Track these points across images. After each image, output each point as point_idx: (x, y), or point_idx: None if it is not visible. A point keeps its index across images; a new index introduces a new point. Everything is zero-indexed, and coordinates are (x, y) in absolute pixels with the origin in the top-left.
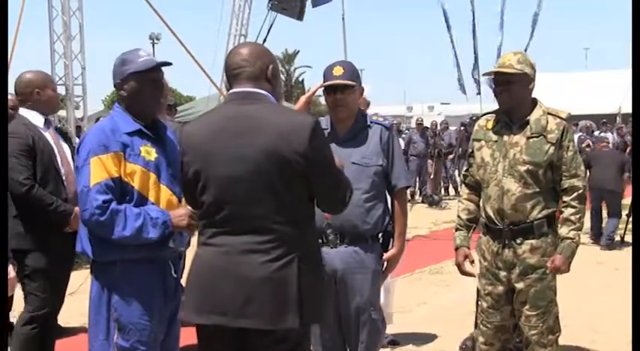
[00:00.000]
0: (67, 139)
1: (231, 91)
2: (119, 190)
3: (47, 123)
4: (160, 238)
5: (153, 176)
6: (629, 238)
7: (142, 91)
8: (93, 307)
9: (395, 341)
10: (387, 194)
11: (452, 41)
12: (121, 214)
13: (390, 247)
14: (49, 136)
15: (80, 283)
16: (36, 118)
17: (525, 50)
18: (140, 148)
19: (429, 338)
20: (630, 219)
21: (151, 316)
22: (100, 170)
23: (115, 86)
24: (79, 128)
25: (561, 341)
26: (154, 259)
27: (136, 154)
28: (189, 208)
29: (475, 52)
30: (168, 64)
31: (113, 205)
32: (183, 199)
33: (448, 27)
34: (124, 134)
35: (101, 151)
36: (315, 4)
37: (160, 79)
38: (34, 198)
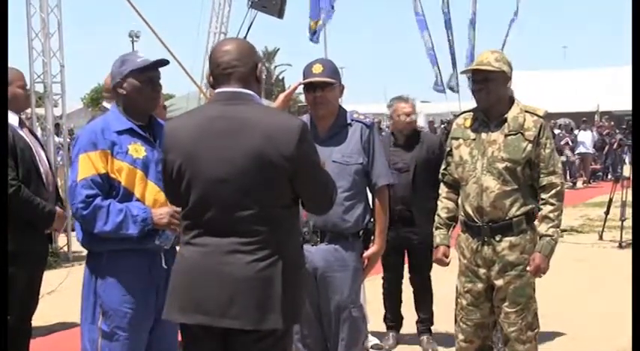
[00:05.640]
0: (38, 138)
1: (217, 90)
2: (106, 185)
3: (21, 122)
4: (140, 234)
5: (140, 173)
6: (607, 235)
7: (141, 89)
8: (83, 293)
9: (379, 346)
10: (369, 192)
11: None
12: (104, 210)
13: (371, 244)
14: (24, 135)
15: (59, 282)
16: (10, 117)
17: (502, 49)
18: (128, 146)
19: (408, 336)
20: (608, 216)
21: (133, 303)
22: (87, 166)
23: (114, 86)
24: (57, 126)
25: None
26: (140, 251)
27: (124, 152)
28: (173, 207)
29: (452, 51)
30: (166, 62)
31: (97, 200)
32: None
33: (426, 27)
34: (114, 133)
35: (90, 148)
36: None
37: (157, 77)
38: (23, 199)
